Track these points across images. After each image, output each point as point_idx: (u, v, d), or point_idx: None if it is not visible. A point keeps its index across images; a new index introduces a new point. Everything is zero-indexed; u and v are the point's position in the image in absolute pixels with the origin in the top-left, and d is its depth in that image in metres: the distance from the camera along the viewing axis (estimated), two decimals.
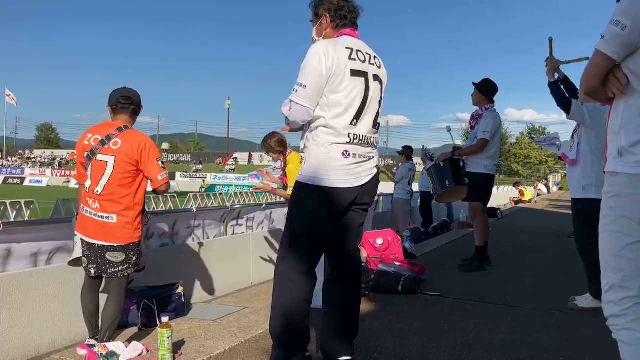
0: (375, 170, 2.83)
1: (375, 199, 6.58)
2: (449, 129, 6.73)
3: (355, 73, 2.67)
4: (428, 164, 6.15)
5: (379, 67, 2.84)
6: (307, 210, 2.70)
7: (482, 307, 4.36)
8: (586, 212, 4.21)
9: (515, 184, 25.15)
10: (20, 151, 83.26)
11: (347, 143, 2.67)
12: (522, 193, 22.78)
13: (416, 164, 11.07)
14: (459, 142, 6.83)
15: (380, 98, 2.83)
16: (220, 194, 26.03)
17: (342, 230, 2.81)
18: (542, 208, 19.54)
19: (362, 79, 2.70)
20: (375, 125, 2.81)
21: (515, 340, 3.48)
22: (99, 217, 3.38)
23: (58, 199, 13.40)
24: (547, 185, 33.13)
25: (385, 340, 3.42)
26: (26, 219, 12.18)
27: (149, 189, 3.58)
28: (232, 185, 38.46)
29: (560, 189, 40.67)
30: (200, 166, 62.58)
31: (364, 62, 2.73)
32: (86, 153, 3.43)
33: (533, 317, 4.06)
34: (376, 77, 2.79)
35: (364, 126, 2.73)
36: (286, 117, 2.71)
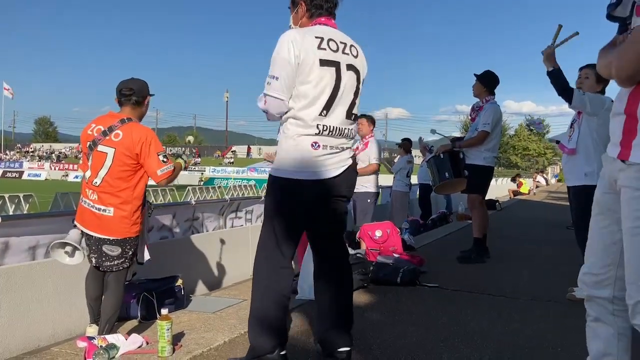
0: (350, 162, 2.77)
1: (374, 191, 6.58)
2: (433, 132, 6.72)
3: (325, 63, 2.60)
4: (427, 156, 6.15)
5: (355, 57, 2.75)
6: (279, 203, 2.67)
7: (481, 298, 4.37)
8: (588, 199, 4.20)
9: (514, 178, 25.03)
10: (19, 145, 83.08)
11: (317, 134, 2.61)
12: (520, 185, 22.79)
13: (415, 156, 11.09)
14: (456, 134, 6.79)
15: (357, 88, 2.76)
16: (219, 187, 25.99)
17: (321, 222, 2.77)
18: (540, 200, 19.57)
19: (333, 69, 2.63)
20: (350, 116, 2.73)
21: (513, 331, 3.50)
22: (96, 209, 3.37)
23: (57, 192, 13.37)
24: (545, 177, 33.14)
25: (384, 332, 3.44)
26: (25, 212, 12.17)
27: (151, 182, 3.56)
28: (230, 179, 38.42)
29: (558, 180, 40.69)
30: (199, 159, 62.52)
31: (335, 51, 2.65)
32: (88, 143, 3.43)
33: (532, 308, 4.08)
34: (350, 67, 2.70)
35: (336, 117, 2.66)
36: (262, 111, 2.68)
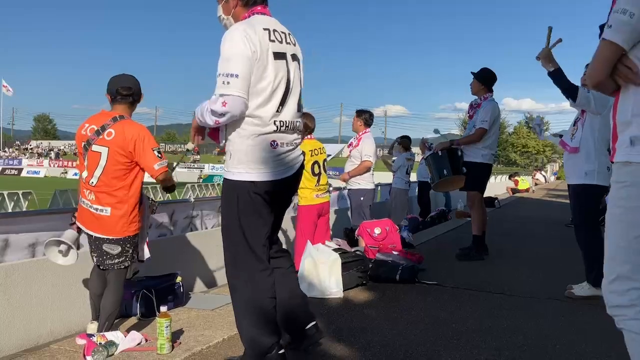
0: (302, 158, 2.75)
1: (368, 187, 6.54)
2: (436, 131, 6.72)
3: (277, 56, 2.53)
4: (426, 153, 6.15)
5: (295, 45, 2.69)
6: (247, 207, 2.56)
7: (480, 295, 4.38)
8: (587, 198, 4.24)
9: (511, 176, 25.07)
10: (18, 142, 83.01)
11: (275, 132, 2.55)
12: (516, 183, 22.77)
13: (415, 153, 11.08)
14: (455, 131, 6.85)
15: (301, 77, 2.70)
16: (219, 184, 25.99)
17: (274, 219, 2.74)
18: (539, 197, 19.57)
19: (284, 62, 2.56)
20: (299, 108, 2.70)
21: (512, 328, 3.50)
22: (93, 209, 3.36)
23: (56, 189, 13.40)
24: (544, 175, 33.15)
25: (382, 329, 3.44)
26: (24, 209, 12.18)
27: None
28: None
29: (557, 178, 40.70)
30: (198, 156, 62.47)
31: (281, 42, 2.58)
32: (83, 143, 3.42)
33: (530, 306, 4.09)
34: (294, 57, 2.65)
35: (289, 111, 2.61)
36: (220, 114, 2.43)
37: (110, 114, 3.46)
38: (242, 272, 2.62)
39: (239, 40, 2.44)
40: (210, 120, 2.50)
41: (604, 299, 1.99)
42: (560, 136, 4.62)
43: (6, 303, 3.56)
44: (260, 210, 2.59)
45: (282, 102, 2.57)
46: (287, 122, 2.61)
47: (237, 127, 2.54)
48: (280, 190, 2.64)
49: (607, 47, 1.88)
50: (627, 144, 1.89)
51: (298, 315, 2.84)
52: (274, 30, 2.57)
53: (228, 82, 2.41)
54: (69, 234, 3.47)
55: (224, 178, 2.64)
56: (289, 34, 2.69)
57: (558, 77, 4.09)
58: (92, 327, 3.46)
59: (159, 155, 3.44)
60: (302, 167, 2.77)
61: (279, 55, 2.55)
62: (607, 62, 1.89)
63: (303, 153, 2.81)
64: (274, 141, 2.56)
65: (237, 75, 2.41)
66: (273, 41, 2.53)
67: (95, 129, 3.39)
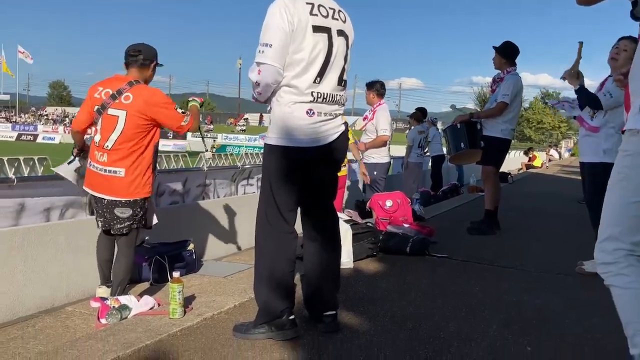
0: (343, 127, 2.79)
1: (382, 162, 6.50)
2: (453, 107, 6.65)
3: (317, 29, 2.58)
4: (447, 124, 6.05)
5: (344, 22, 2.73)
6: (277, 171, 2.67)
7: (490, 269, 4.39)
8: (604, 176, 4.21)
9: (526, 152, 24.77)
10: (33, 108, 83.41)
11: (311, 102, 2.62)
12: (533, 158, 22.54)
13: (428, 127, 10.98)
14: (470, 106, 6.79)
15: (346, 54, 2.75)
16: (231, 154, 26.02)
17: (315, 188, 2.79)
18: (553, 173, 19.42)
19: (325, 35, 2.61)
20: (341, 82, 2.74)
21: (522, 302, 3.51)
22: (106, 171, 3.38)
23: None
24: (559, 151, 32.81)
25: (392, 301, 3.46)
26: (39, 174, 12.29)
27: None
28: (242, 146, 38.43)
29: (572, 154, 40.28)
30: (211, 126, 62.53)
31: (326, 17, 2.63)
32: (96, 107, 3.42)
33: (540, 281, 4.09)
34: (341, 32, 2.69)
35: (329, 84, 2.66)
36: (256, 83, 2.61)
37: (126, 78, 3.46)
38: (270, 232, 2.72)
39: (277, 12, 2.54)
40: (251, 83, 2.65)
41: (595, 257, 2.09)
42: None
43: (23, 265, 3.63)
44: (290, 176, 2.67)
45: (321, 74, 2.62)
46: (326, 94, 2.66)
47: (277, 95, 2.65)
48: (312, 158, 2.68)
49: None
50: (637, 112, 1.91)
51: (321, 297, 2.88)
52: (320, 5, 2.63)
53: (263, 51, 2.54)
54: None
55: (264, 142, 2.75)
56: (339, 10, 2.74)
57: (583, 92, 4.23)
58: (101, 291, 3.52)
59: (182, 111, 3.49)
60: (343, 136, 2.80)
61: (320, 29, 2.60)
62: None
63: (346, 124, 2.85)
64: (310, 110, 2.62)
65: (270, 45, 2.52)
66: (315, 15, 2.59)
67: (111, 92, 3.40)
